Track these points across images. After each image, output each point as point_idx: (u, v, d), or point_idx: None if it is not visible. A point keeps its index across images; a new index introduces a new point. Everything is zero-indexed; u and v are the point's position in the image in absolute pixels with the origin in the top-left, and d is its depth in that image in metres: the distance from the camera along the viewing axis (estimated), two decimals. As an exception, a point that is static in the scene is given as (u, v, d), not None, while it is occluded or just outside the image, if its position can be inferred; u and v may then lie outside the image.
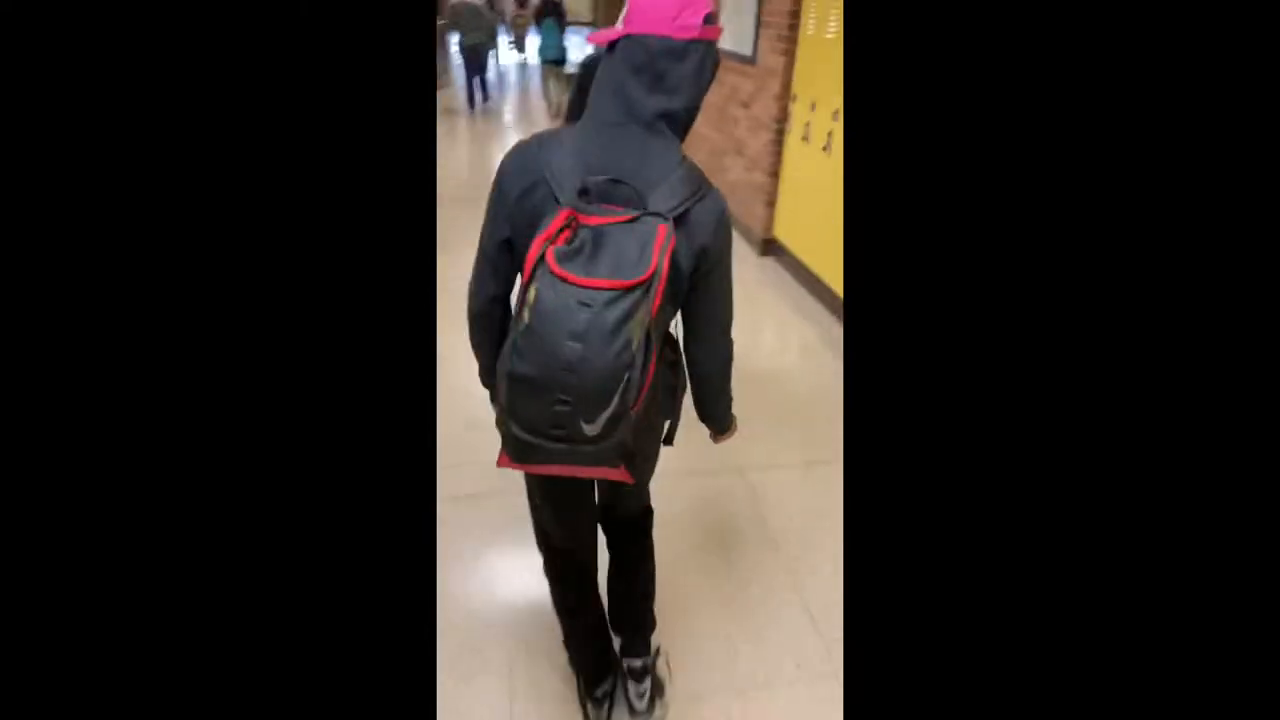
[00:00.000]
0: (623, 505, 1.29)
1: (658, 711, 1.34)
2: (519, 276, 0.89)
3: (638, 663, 1.33)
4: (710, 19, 0.88)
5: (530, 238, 0.84)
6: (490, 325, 1.03)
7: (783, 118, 3.60)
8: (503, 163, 0.93)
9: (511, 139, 6.92)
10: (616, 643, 1.38)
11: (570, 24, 8.09)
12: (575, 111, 1.91)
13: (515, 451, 0.92)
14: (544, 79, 7.70)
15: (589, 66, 2.18)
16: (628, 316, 0.81)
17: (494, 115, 8.12)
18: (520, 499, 1.32)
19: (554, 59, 7.29)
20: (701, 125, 4.75)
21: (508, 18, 12.21)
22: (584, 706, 1.35)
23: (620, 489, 1.22)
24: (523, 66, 12.23)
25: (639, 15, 0.87)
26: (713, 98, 4.49)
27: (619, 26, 0.89)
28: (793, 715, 1.45)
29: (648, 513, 1.34)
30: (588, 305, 0.80)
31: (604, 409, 0.84)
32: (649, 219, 0.84)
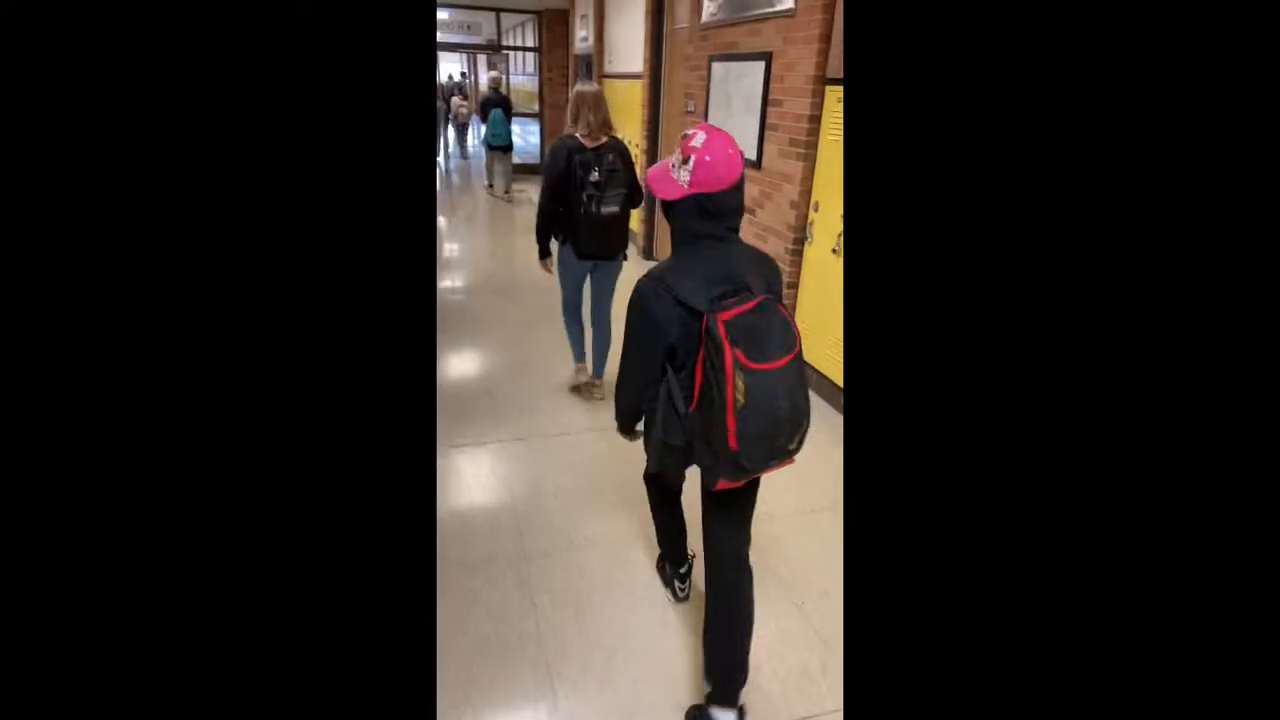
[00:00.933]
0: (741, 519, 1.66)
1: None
2: (696, 371, 1.33)
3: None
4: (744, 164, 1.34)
5: (685, 346, 1.33)
6: (643, 409, 1.50)
7: (801, 225, 3.34)
8: (646, 306, 1.32)
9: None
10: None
11: (516, 115, 8.42)
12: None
13: (738, 476, 1.37)
14: (489, 163, 8.46)
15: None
16: (801, 371, 1.33)
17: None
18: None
19: (501, 145, 7.99)
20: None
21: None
22: (671, 584, 2.00)
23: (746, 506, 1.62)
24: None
25: (705, 181, 1.29)
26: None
27: (686, 186, 1.31)
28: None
29: None
30: (781, 378, 1.27)
31: (801, 430, 1.35)
32: (767, 301, 1.30)
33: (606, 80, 6.89)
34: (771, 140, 3.51)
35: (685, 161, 1.30)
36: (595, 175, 2.65)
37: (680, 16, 4.89)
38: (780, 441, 1.31)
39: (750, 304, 1.26)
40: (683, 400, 1.37)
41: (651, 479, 1.82)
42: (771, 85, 3.46)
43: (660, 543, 1.99)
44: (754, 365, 1.22)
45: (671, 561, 1.98)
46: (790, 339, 1.27)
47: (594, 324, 3.07)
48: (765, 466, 1.35)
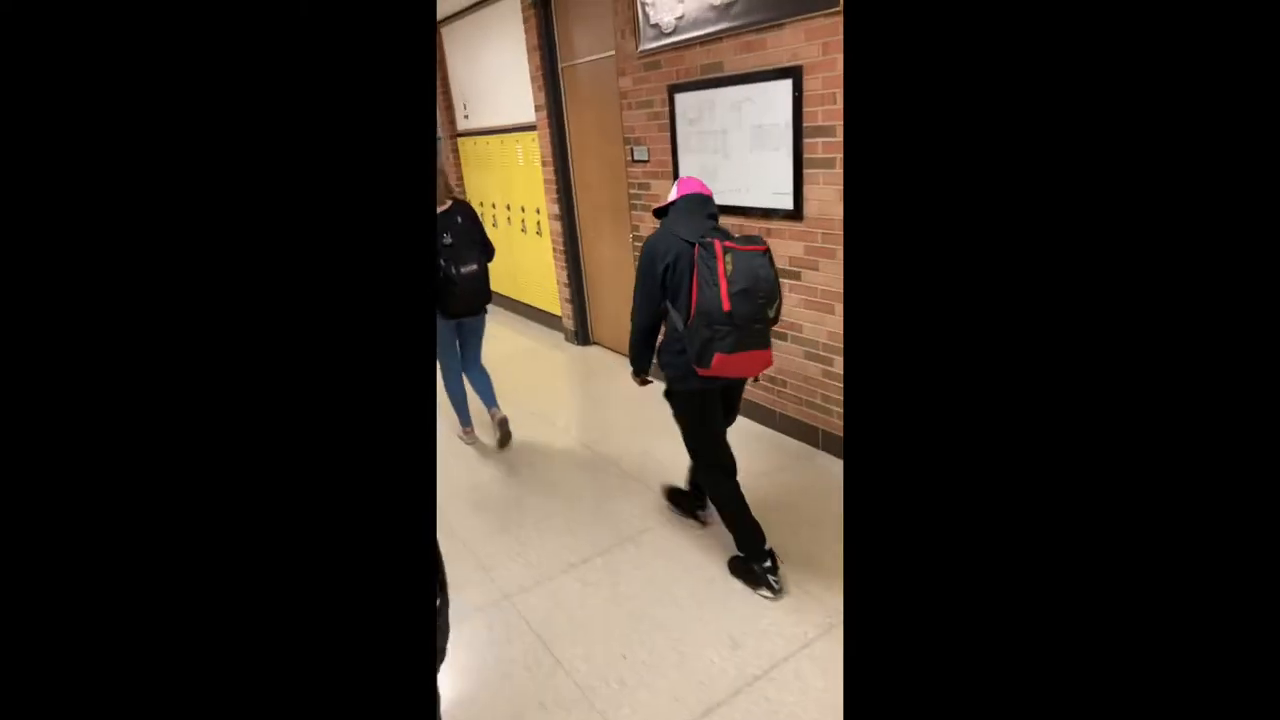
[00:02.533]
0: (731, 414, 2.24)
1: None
2: (691, 290, 1.86)
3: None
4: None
5: (678, 271, 1.91)
6: (654, 333, 2.06)
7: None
8: (652, 244, 1.97)
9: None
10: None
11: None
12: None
13: (732, 346, 1.81)
14: None
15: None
16: (769, 261, 1.86)
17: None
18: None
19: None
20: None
21: None
22: (754, 569, 2.10)
23: (738, 401, 2.23)
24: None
25: (685, 187, 2.04)
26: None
27: (675, 195, 2.04)
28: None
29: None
30: (755, 257, 1.84)
31: (776, 299, 1.87)
32: (742, 237, 1.95)
33: (464, 139, 5.66)
34: (818, 180, 2.62)
35: (673, 184, 2.12)
36: (447, 239, 2.79)
37: (581, 48, 3.89)
38: (760, 301, 1.81)
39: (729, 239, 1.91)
40: (680, 320, 1.92)
41: (701, 464, 2.17)
42: (807, 109, 2.57)
43: (742, 542, 2.13)
44: (736, 247, 1.83)
45: (757, 556, 2.09)
46: (757, 241, 1.89)
47: (473, 375, 3.22)
48: (752, 334, 1.83)
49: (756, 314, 1.79)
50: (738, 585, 2.14)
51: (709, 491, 2.20)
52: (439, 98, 5.61)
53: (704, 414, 2.06)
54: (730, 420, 2.20)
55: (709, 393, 2.01)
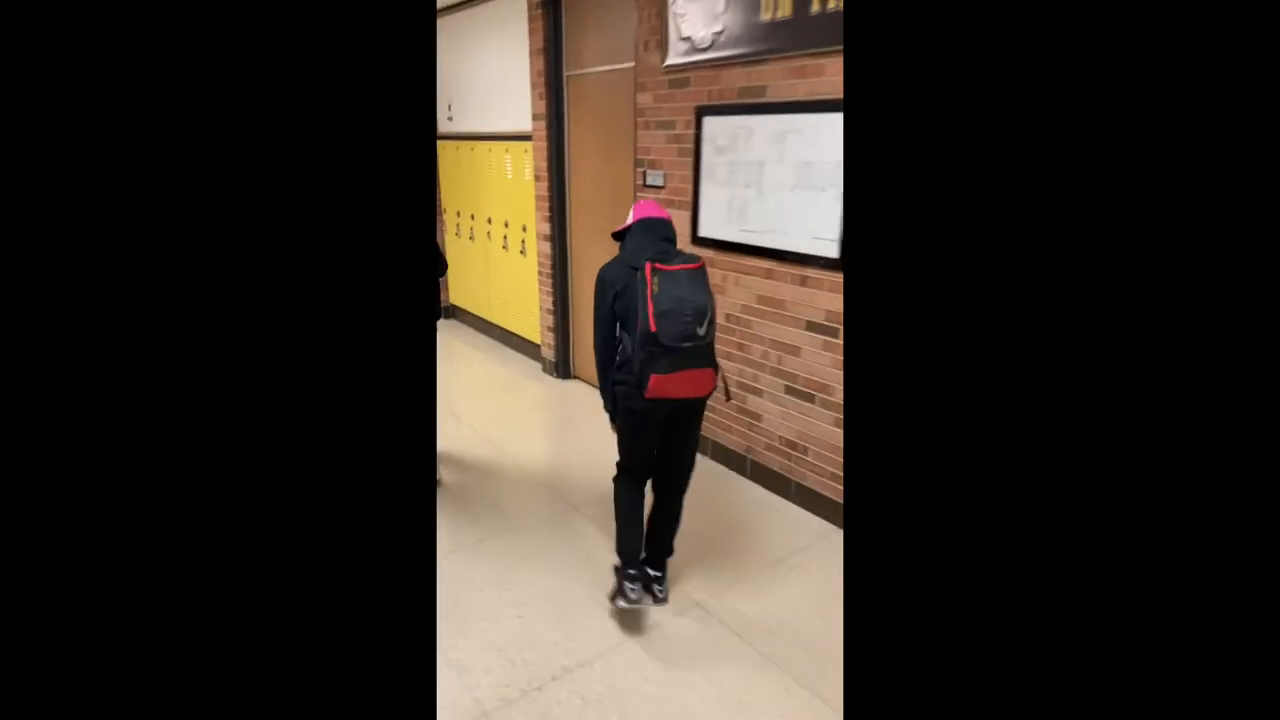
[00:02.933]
0: (680, 460, 2.14)
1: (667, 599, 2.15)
2: (638, 304, 1.84)
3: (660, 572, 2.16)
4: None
5: (627, 298, 1.91)
6: (612, 361, 2.00)
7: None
8: (601, 274, 1.99)
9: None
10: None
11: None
12: None
13: (666, 367, 1.82)
14: None
15: None
16: (700, 279, 1.87)
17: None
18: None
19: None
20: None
21: None
22: (622, 584, 2.09)
23: (687, 445, 2.12)
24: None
25: (641, 211, 2.05)
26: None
27: (631, 219, 2.05)
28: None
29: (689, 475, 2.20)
30: (682, 275, 1.84)
31: (706, 318, 1.83)
32: (682, 255, 1.94)
33: (445, 143, 5.21)
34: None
35: (630, 211, 2.09)
36: None
37: (593, 56, 3.53)
38: (686, 319, 1.80)
39: (666, 258, 1.90)
40: (630, 345, 1.91)
41: (623, 473, 2.15)
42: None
43: (625, 541, 2.13)
44: (664, 266, 1.84)
45: (630, 564, 2.10)
46: (689, 260, 1.89)
47: None
48: (679, 346, 1.81)
49: (685, 333, 1.80)
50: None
51: (615, 489, 2.18)
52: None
53: (640, 432, 2.05)
54: (686, 457, 2.14)
55: (651, 414, 1.99)
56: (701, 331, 1.82)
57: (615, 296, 1.92)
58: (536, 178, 4.05)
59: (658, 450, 2.08)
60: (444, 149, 5.25)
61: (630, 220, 2.04)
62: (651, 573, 2.12)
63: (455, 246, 5.37)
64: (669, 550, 2.18)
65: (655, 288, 1.79)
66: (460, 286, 5.43)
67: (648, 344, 1.80)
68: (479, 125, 4.70)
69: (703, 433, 3.18)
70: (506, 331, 4.89)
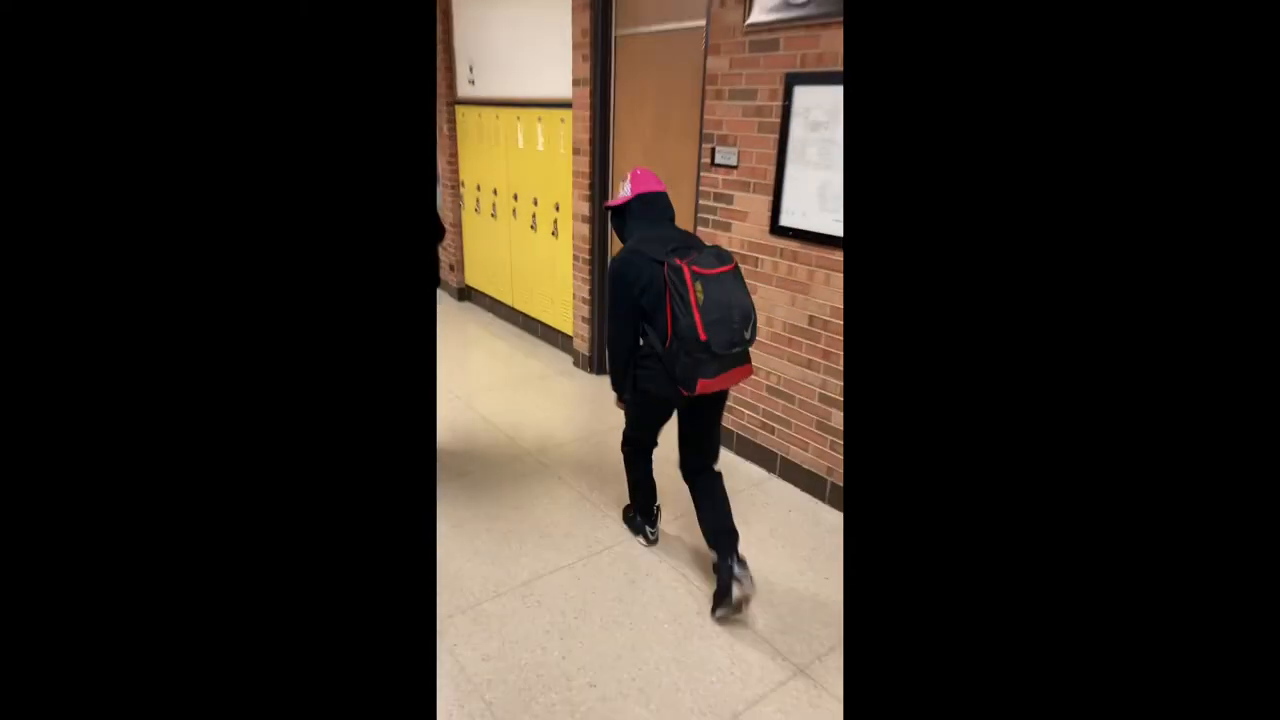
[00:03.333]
0: (712, 437, 2.13)
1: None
2: (666, 311, 1.82)
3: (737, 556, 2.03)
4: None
5: (652, 293, 1.85)
6: (635, 353, 1.97)
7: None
8: (622, 270, 1.89)
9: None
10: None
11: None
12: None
13: (715, 371, 1.83)
14: None
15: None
16: (740, 280, 1.85)
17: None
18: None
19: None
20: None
21: None
22: (643, 530, 2.37)
23: (718, 422, 2.12)
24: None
25: (640, 183, 1.98)
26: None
27: (629, 194, 1.98)
28: None
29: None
30: (725, 280, 1.81)
31: (751, 321, 1.83)
32: (706, 248, 1.89)
33: (466, 108, 4.75)
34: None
35: (623, 184, 2.02)
36: None
37: (652, 12, 3.09)
38: (735, 326, 1.79)
39: (694, 254, 1.83)
40: (659, 342, 1.87)
41: (629, 441, 2.27)
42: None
43: (633, 495, 2.38)
44: (705, 271, 1.78)
45: (642, 512, 2.38)
46: (725, 257, 1.85)
47: None
48: (730, 357, 1.84)
49: (734, 340, 1.81)
50: None
51: (624, 455, 2.32)
52: (441, 54, 4.68)
53: (657, 413, 2.13)
54: (710, 449, 2.13)
55: (674, 401, 2.02)
56: (748, 335, 1.84)
57: (642, 293, 1.85)
58: (575, 151, 3.62)
59: (688, 430, 2.11)
60: (464, 115, 4.79)
61: (628, 193, 1.97)
62: (736, 569, 1.98)
63: (472, 223, 4.93)
64: (734, 530, 2.05)
65: (700, 295, 1.76)
66: (478, 267, 5.00)
67: (696, 350, 1.78)
68: (506, 89, 4.24)
69: (774, 450, 2.82)
70: (530, 319, 4.49)
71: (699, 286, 1.76)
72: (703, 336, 1.75)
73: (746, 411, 2.93)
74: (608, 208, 2.05)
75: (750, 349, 1.90)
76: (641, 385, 1.98)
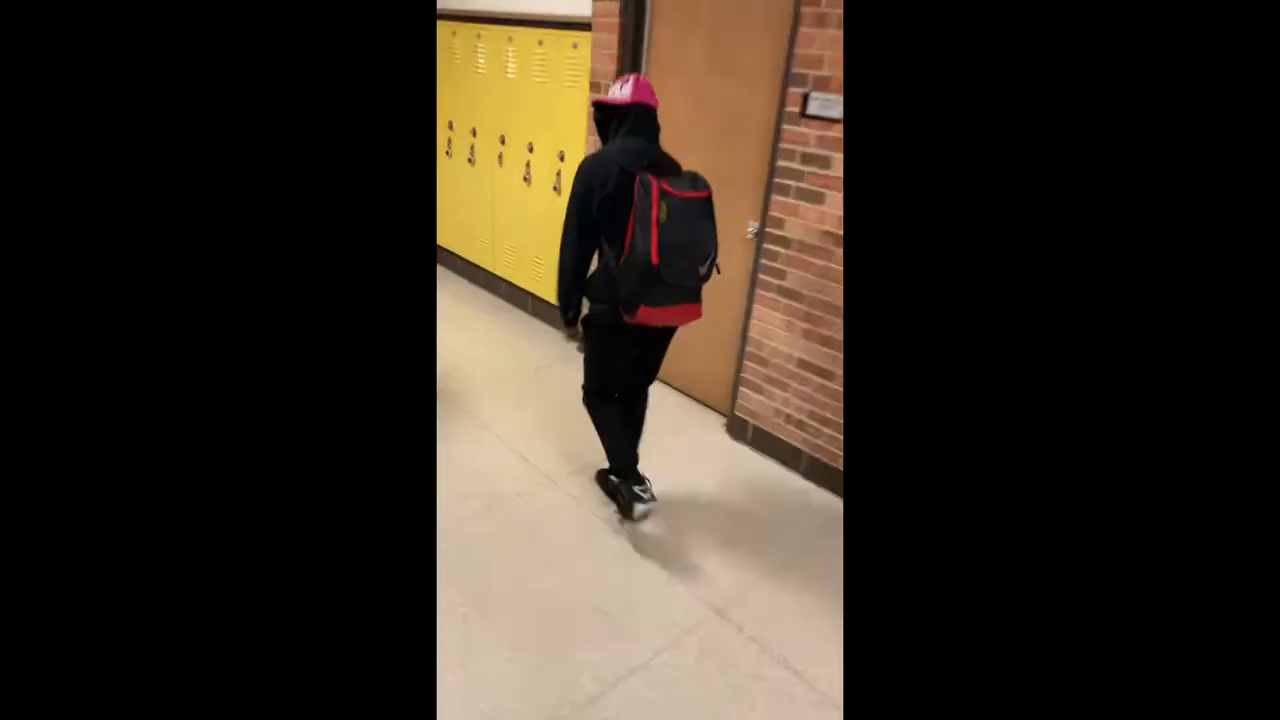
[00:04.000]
0: (649, 373, 2.10)
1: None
2: (628, 225, 1.70)
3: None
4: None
5: (614, 203, 1.72)
6: (585, 273, 1.86)
7: None
8: (591, 171, 1.75)
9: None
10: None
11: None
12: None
13: (659, 300, 1.72)
14: None
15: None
16: (709, 212, 1.77)
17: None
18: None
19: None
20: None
21: None
22: (628, 490, 2.04)
23: (657, 360, 2.07)
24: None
25: (641, 93, 1.81)
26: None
27: (628, 97, 1.80)
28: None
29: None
30: (694, 205, 1.71)
31: (710, 259, 1.78)
32: (686, 172, 1.80)
33: (446, 24, 3.82)
34: None
35: (621, 85, 1.82)
36: None
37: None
38: (692, 257, 1.72)
39: (670, 176, 1.73)
40: (614, 257, 1.75)
41: (591, 391, 2.05)
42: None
43: (612, 456, 2.08)
44: (675, 192, 1.67)
45: (625, 476, 2.06)
46: (700, 184, 1.75)
47: None
48: (682, 290, 1.75)
49: (686, 271, 1.72)
50: None
51: (589, 411, 2.09)
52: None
53: (615, 351, 1.95)
54: (654, 369, 2.10)
55: (628, 332, 1.87)
56: (704, 271, 1.78)
57: (604, 201, 1.73)
58: (593, 86, 2.85)
59: (627, 365, 2.00)
60: (443, 31, 3.87)
61: (627, 98, 1.80)
62: (638, 489, 2.04)
63: (442, 169, 4.07)
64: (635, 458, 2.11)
65: (663, 213, 1.65)
66: (450, 224, 4.16)
67: (645, 274, 1.68)
68: (497, 1, 3.37)
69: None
70: (520, 290, 3.74)
71: (664, 207, 1.65)
72: (655, 260, 1.65)
73: (826, 430, 2.35)
74: (599, 104, 1.84)
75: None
76: (596, 320, 1.88)
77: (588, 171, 1.76)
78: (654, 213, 1.63)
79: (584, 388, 2.08)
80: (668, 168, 1.78)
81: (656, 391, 2.28)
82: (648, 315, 1.74)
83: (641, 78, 1.85)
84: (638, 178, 1.67)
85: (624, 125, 1.81)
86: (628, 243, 1.69)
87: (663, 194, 1.65)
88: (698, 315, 1.86)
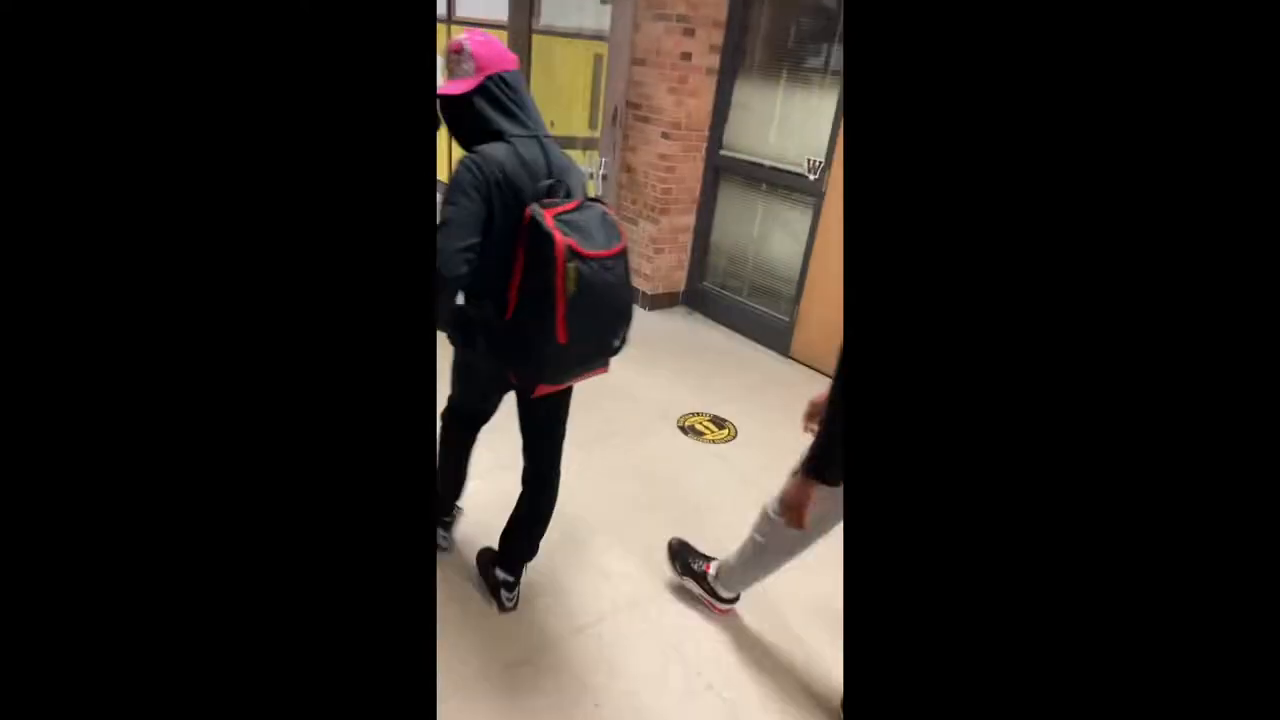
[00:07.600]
0: (554, 434, 1.59)
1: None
2: (515, 269, 1.24)
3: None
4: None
5: (503, 224, 1.22)
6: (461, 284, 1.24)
7: None
8: (474, 177, 1.18)
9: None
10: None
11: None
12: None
13: (564, 379, 1.35)
14: None
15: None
16: (627, 266, 1.29)
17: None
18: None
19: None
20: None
21: None
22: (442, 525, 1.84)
23: (558, 429, 1.58)
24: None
25: (492, 60, 1.23)
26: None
27: (473, 75, 1.22)
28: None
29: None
30: (610, 269, 1.23)
31: (626, 326, 1.34)
32: (591, 203, 1.29)
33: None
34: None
35: (458, 56, 1.24)
36: None
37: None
38: (608, 337, 1.31)
39: (572, 204, 1.24)
40: (495, 304, 1.29)
41: (452, 413, 1.68)
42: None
43: (451, 482, 1.78)
44: (588, 253, 1.19)
45: (440, 504, 1.80)
46: (614, 232, 1.27)
47: None
48: (591, 364, 1.34)
49: (601, 348, 1.34)
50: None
51: (444, 426, 1.69)
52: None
53: (488, 379, 1.52)
54: (545, 452, 1.59)
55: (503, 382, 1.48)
56: (617, 344, 1.35)
57: (490, 216, 1.21)
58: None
59: (526, 425, 1.54)
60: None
61: (471, 74, 1.23)
62: (503, 576, 1.67)
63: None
64: (533, 551, 1.68)
65: (571, 282, 1.17)
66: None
67: (544, 347, 1.23)
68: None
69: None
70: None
71: (571, 270, 1.17)
72: (562, 338, 1.21)
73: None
74: (442, 96, 1.24)
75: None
76: (471, 360, 1.43)
77: (470, 177, 1.20)
78: (559, 278, 1.18)
79: (452, 407, 1.68)
80: (562, 180, 1.30)
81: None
82: (545, 391, 1.38)
83: (479, 34, 1.27)
84: (530, 216, 1.19)
85: (486, 115, 1.25)
86: (512, 293, 1.26)
87: (572, 255, 1.18)
88: (603, 372, 1.42)
